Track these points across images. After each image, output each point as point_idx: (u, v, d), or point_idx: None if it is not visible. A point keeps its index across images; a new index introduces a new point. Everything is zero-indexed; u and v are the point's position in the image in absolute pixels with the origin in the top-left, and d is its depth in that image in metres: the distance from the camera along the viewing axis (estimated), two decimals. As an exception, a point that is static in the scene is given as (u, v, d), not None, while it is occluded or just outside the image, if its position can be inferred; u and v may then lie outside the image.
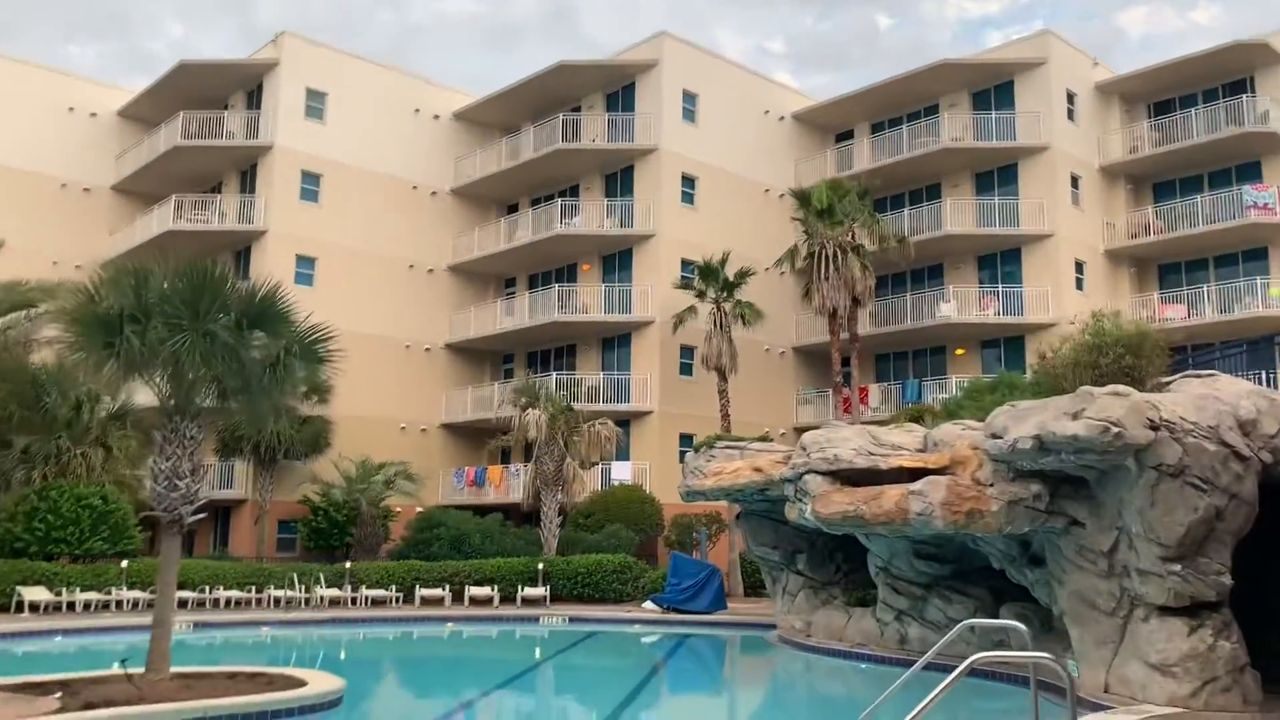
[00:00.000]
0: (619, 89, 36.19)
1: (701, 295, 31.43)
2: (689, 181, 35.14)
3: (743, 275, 31.01)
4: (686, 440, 33.73)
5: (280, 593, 24.89)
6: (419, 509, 33.34)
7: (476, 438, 37.99)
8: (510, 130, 39.19)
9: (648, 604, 24.48)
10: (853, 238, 31.37)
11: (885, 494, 14.22)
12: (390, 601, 25.93)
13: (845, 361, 31.56)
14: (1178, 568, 11.30)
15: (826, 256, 30.34)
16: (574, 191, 37.03)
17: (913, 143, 35.54)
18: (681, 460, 33.32)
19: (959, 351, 35.11)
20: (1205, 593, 11.42)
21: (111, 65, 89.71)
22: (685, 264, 34.05)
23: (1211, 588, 11.43)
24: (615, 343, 35.13)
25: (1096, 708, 11.05)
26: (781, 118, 38.14)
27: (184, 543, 35.14)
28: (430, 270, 37.98)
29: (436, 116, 38.62)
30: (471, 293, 38.90)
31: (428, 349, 37.41)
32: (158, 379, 11.82)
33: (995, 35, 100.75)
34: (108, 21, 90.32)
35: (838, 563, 20.29)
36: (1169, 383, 14.04)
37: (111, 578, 23.38)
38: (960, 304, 34.00)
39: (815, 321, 35.88)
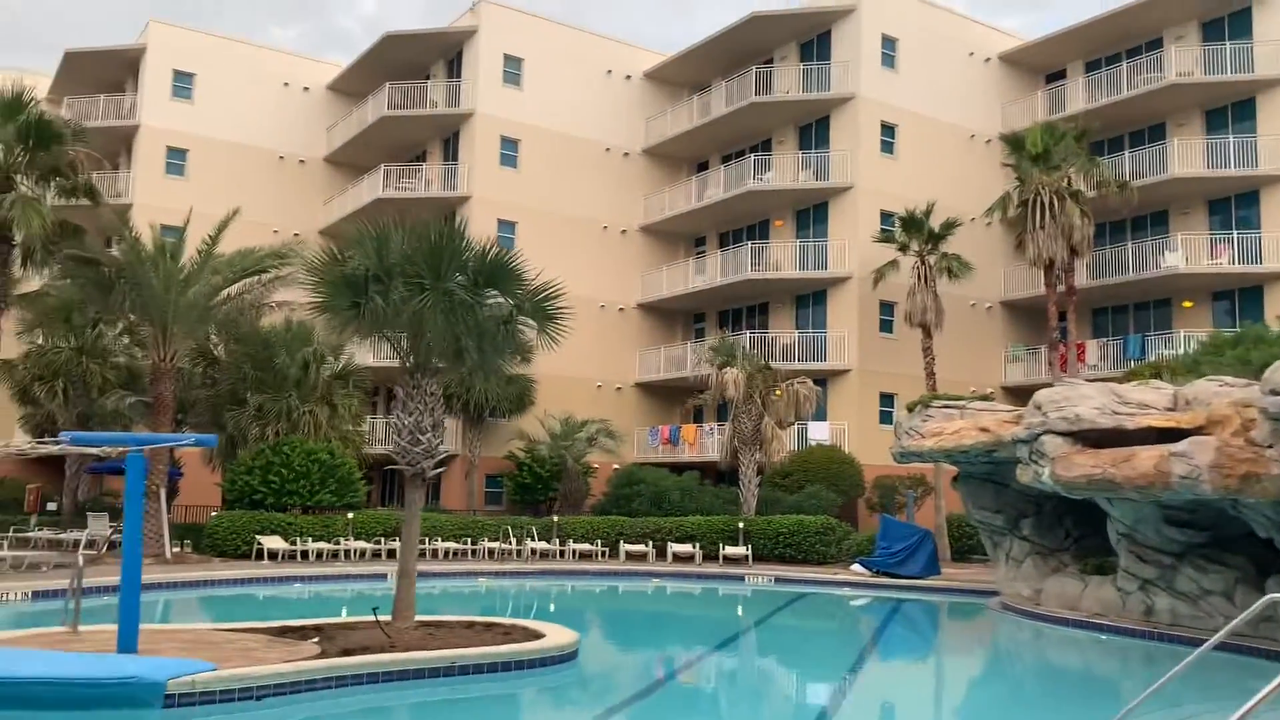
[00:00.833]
0: (813, 38, 35.07)
1: (904, 248, 30.26)
2: (889, 130, 33.79)
3: (949, 226, 29.65)
4: (887, 400, 32.82)
5: (494, 544, 25.71)
6: (615, 466, 33.82)
7: (669, 396, 38.13)
8: (700, 87, 38.72)
9: (856, 566, 23.93)
10: (1069, 184, 29.40)
11: (1139, 456, 13.19)
12: (595, 555, 26.40)
13: (1060, 316, 29.73)
14: None
15: (1042, 204, 28.54)
16: (766, 146, 36.27)
17: (1134, 80, 32.88)
18: (882, 421, 32.69)
19: (1186, 304, 32.49)
20: None
21: (311, 44, 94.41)
22: (885, 216, 32.86)
23: None
24: (810, 300, 34.36)
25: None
26: (987, 59, 36.07)
27: (397, 497, 37.00)
28: (623, 231, 38.16)
29: (628, 77, 38.57)
30: (663, 252, 38.87)
31: (621, 309, 37.69)
32: (398, 337, 12.13)
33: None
34: (305, 4, 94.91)
35: (1066, 528, 19.16)
36: None
37: (339, 528, 24.72)
38: (1188, 253, 31.39)
39: (1026, 274, 34.02)
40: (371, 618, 12.05)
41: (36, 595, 16.60)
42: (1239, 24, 31.97)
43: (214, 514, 24.99)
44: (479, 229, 33.41)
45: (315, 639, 11.40)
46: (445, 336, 11.83)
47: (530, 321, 12.47)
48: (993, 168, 35.36)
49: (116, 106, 38.24)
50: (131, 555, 10.47)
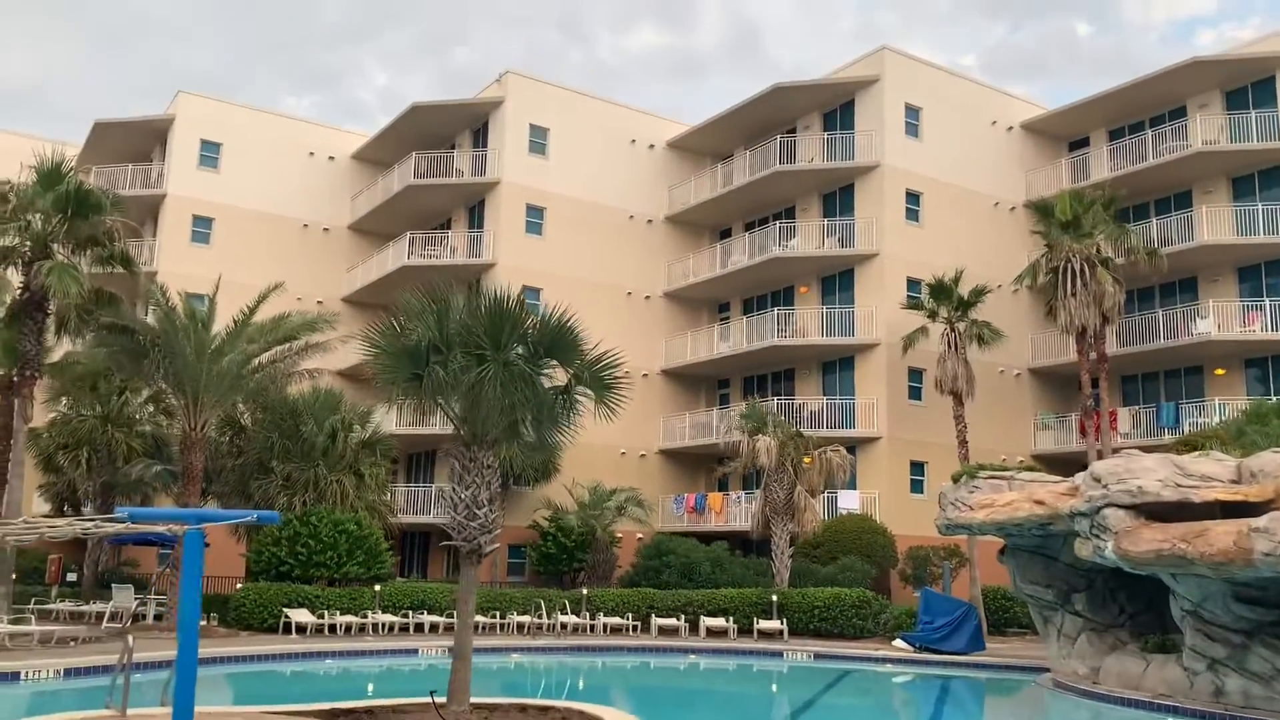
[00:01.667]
0: (837, 107, 35.35)
1: (933, 315, 30.11)
2: (913, 198, 33.86)
3: (978, 293, 29.53)
4: (918, 468, 32.41)
5: (523, 618, 25.14)
6: (639, 536, 33.31)
7: (694, 463, 37.75)
8: (722, 156, 39.02)
9: (898, 642, 23.29)
10: (1098, 251, 29.33)
11: (1213, 531, 12.78)
12: (626, 629, 25.80)
13: (1093, 383, 29.42)
14: None
15: (1073, 271, 28.47)
16: (790, 214, 36.36)
17: (1159, 148, 33.00)
18: (913, 489, 32.24)
19: (1219, 372, 32.16)
20: None
21: (324, 114, 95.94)
22: (911, 283, 32.81)
23: None
24: (837, 366, 34.13)
25: None
26: (1009, 127, 36.30)
27: (420, 568, 36.46)
28: (647, 297, 38.12)
29: (651, 146, 38.87)
30: (687, 318, 38.79)
31: (645, 374, 37.41)
32: (454, 408, 11.88)
33: (1208, 34, 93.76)
34: (319, 75, 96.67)
35: (1120, 603, 18.61)
36: None
37: (366, 601, 24.21)
38: (1219, 319, 31.17)
39: (1054, 341, 33.84)
40: (424, 699, 11.63)
41: (69, 673, 16.11)
42: (1263, 92, 32.17)
43: (239, 586, 24.52)
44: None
45: (369, 724, 10.97)
46: (504, 407, 11.57)
47: (588, 392, 12.20)
48: (1017, 235, 35.40)
49: (143, 175, 38.54)
50: (188, 637, 10.07)
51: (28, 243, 21.18)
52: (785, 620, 25.56)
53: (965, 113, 35.35)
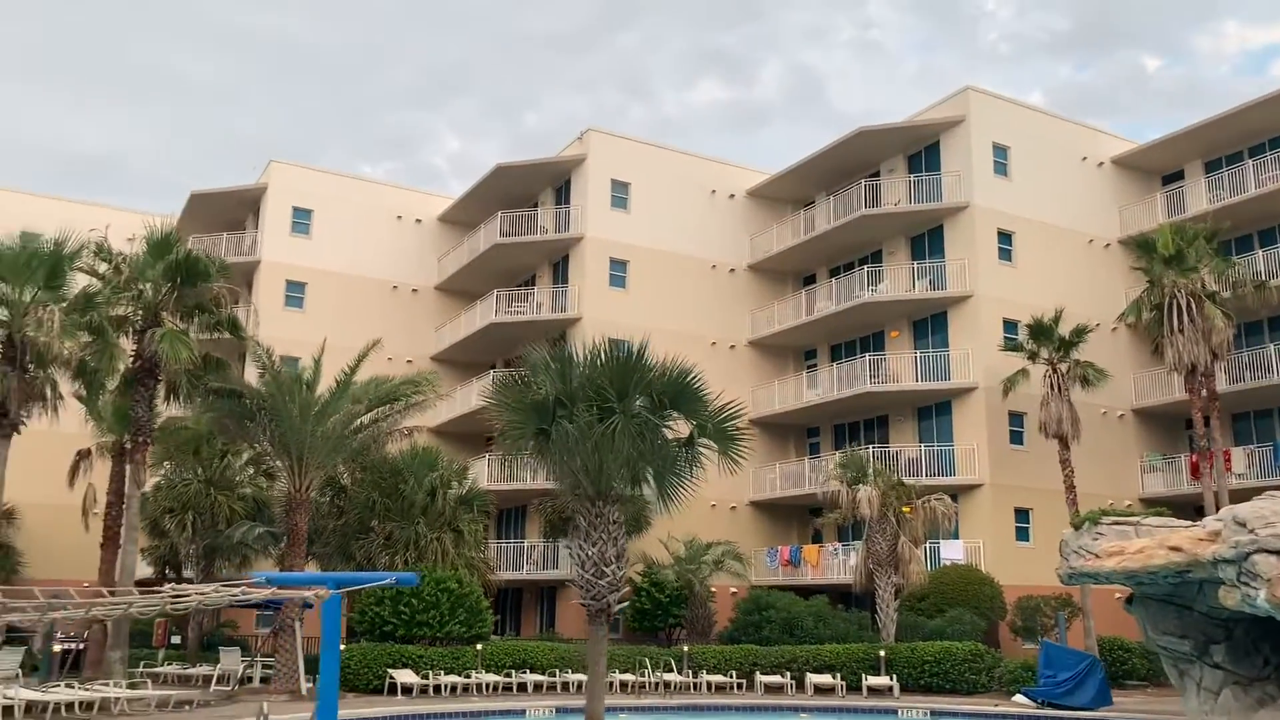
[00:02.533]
0: (921, 149, 34.99)
1: (1033, 357, 29.34)
2: (1005, 237, 33.21)
3: (1080, 333, 28.74)
4: (1022, 515, 31.38)
5: (625, 676, 24.71)
6: (733, 590, 32.70)
7: (785, 515, 37.11)
8: (804, 203, 38.85)
9: (1019, 697, 22.32)
10: (1203, 285, 28.36)
11: (1385, 576, 11.94)
12: (730, 687, 25.19)
13: (1205, 422, 28.26)
14: None
15: (1179, 307, 27.55)
16: (876, 257, 35.93)
17: (1261, 177, 31.94)
18: (1018, 538, 31.18)
19: (1338, 406, 30.72)
20: None
21: (401, 180, 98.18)
22: (1008, 324, 32.08)
23: None
24: (933, 411, 33.36)
25: None
26: (1100, 163, 35.53)
27: (514, 625, 36.22)
28: (731, 346, 37.86)
29: (731, 195, 38.89)
30: (772, 367, 38.39)
31: (733, 426, 37.03)
32: (577, 462, 11.71)
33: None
34: (392, 143, 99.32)
35: (1265, 654, 17.49)
36: None
37: (468, 660, 24.02)
38: (1336, 352, 29.84)
39: (1159, 380, 32.73)
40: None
41: (189, 738, 16.14)
42: (1367, 117, 31.07)
43: (343, 647, 24.52)
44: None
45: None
46: (627, 460, 11.38)
47: (710, 444, 11.96)
48: (1113, 272, 34.48)
49: (237, 243, 39.64)
50: (328, 700, 9.99)
51: (139, 311, 21.77)
52: (894, 676, 24.73)
53: (1054, 149, 34.71)
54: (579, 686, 24.36)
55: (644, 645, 27.75)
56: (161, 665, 25.69)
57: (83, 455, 29.11)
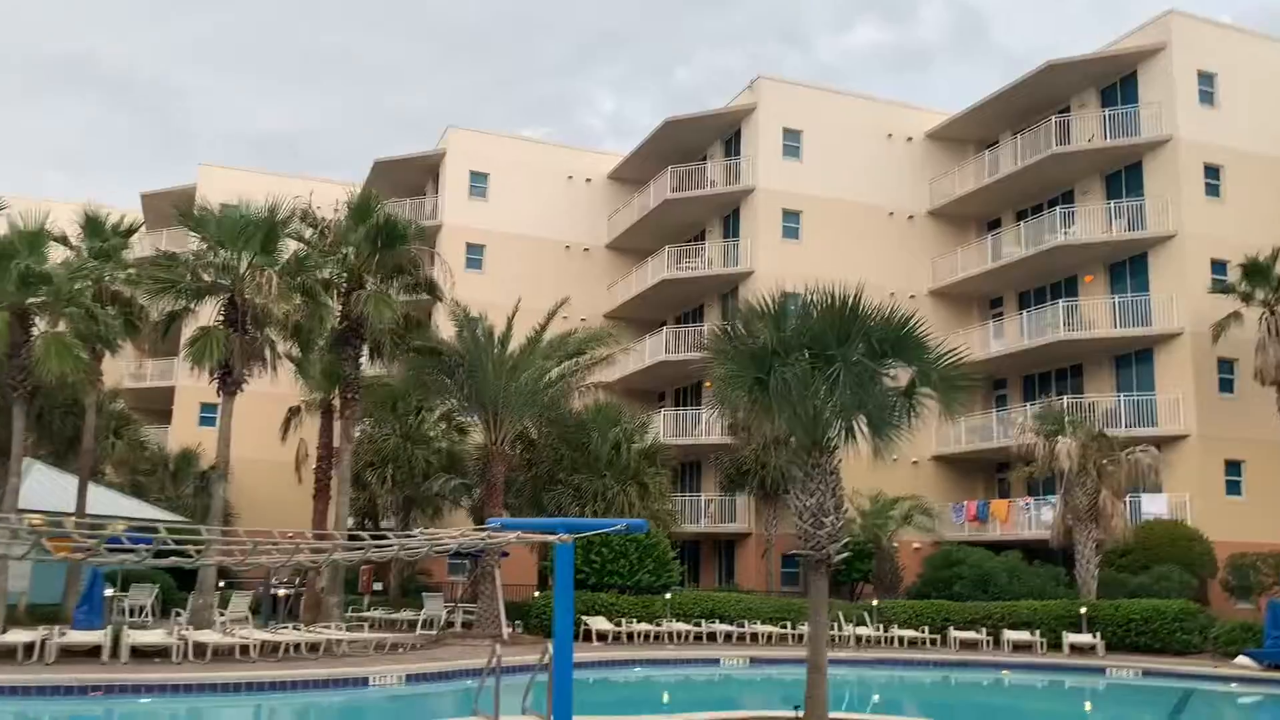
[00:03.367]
0: (1116, 81, 32.81)
1: (1247, 299, 27.32)
2: (1212, 171, 30.88)
3: (1303, 272, 26.50)
4: (1233, 467, 29.49)
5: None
6: (916, 545, 32.02)
7: (970, 469, 36.00)
8: (985, 144, 37.12)
9: (1242, 659, 21.01)
10: None
11: None
12: (922, 642, 24.73)
13: None
14: None
15: None
16: (1068, 198, 34.02)
17: None
18: (1228, 491, 29.26)
19: None
20: None
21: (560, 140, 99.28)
22: (1216, 265, 29.99)
23: None
24: (1132, 360, 31.53)
25: None
26: (1323, 86, 32.47)
27: (693, 577, 36.63)
28: (911, 296, 36.53)
29: (909, 139, 37.54)
30: (954, 317, 37.02)
31: (913, 378, 36.07)
32: (796, 413, 11.53)
33: None
34: (548, 107, 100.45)
35: None
36: None
37: (658, 609, 24.42)
38: None
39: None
40: (777, 713, 11.36)
41: (411, 679, 17.00)
42: None
43: (536, 594, 25.35)
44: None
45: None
46: (843, 410, 11.14)
47: (931, 392, 11.56)
48: (1339, 204, 31.60)
49: (419, 209, 40.96)
50: (563, 645, 10.25)
51: (343, 274, 22.79)
52: (1097, 634, 23.71)
53: (1266, 76, 31.93)
54: (768, 638, 24.45)
55: (834, 600, 27.50)
56: (367, 611, 27.15)
57: (293, 412, 30.80)
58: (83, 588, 19.90)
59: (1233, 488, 29.29)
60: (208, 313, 21.23)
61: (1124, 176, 32.43)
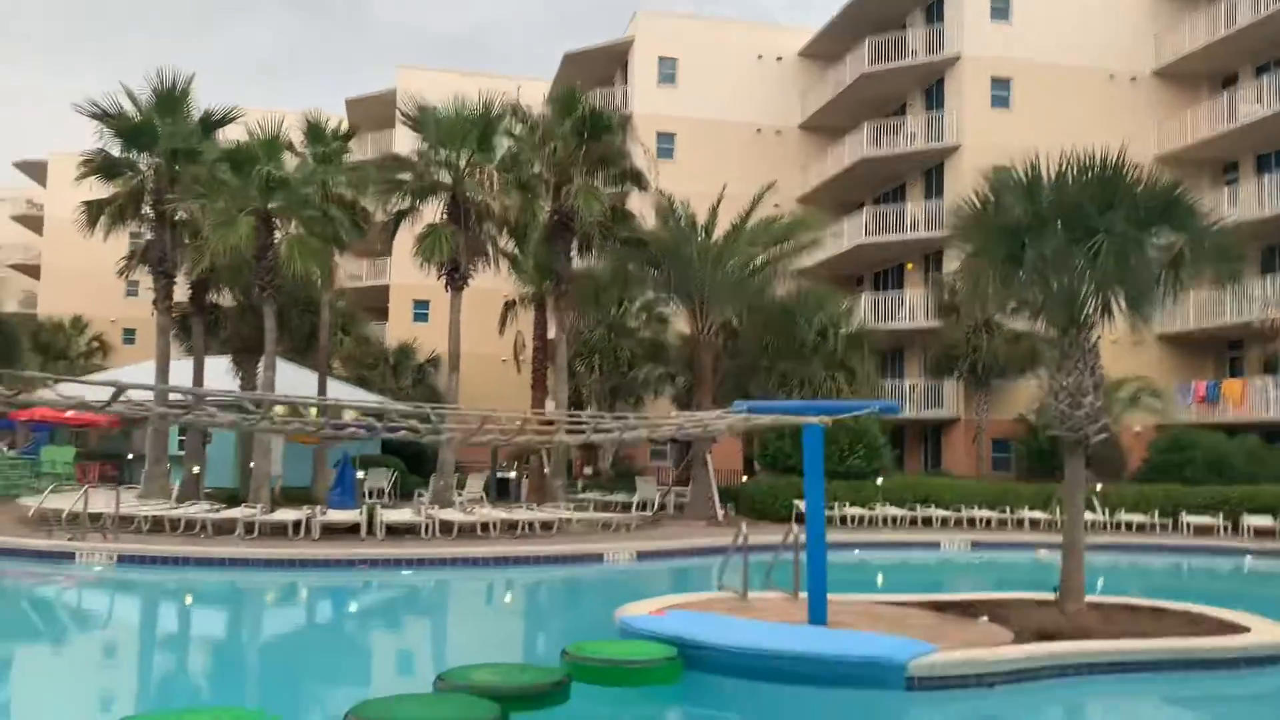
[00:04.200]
0: (1388, -95, 28.81)
1: None
2: None
3: None
4: None
5: (1034, 514, 24.01)
6: (1137, 429, 30.47)
7: (1197, 349, 33.69)
8: (1221, -11, 33.55)
9: None
10: None
11: None
12: (1150, 527, 23.75)
13: None
14: None
15: None
16: (1320, 47, 30.52)
17: None
18: None
19: None
20: None
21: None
22: None
23: None
24: (1394, 225, 28.45)
25: None
26: None
27: (898, 462, 36.29)
28: (1137, 165, 34.08)
29: (1127, -9, 34.38)
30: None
31: (1135, 253, 33.79)
32: (1051, 288, 10.98)
33: None
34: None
35: None
36: None
37: (870, 493, 24.35)
38: None
39: None
40: (1033, 596, 11.19)
41: (641, 556, 17.68)
42: None
43: (744, 479, 25.74)
44: (970, 179, 31.51)
45: (983, 618, 10.67)
46: (1109, 284, 10.51)
47: (1203, 262, 10.75)
48: None
49: (608, 99, 40.77)
50: (816, 527, 10.38)
51: (553, 168, 23.09)
52: (1355, 521, 22.14)
53: None
54: (986, 523, 24.05)
55: (1046, 485, 26.70)
56: (581, 494, 28.31)
57: (508, 306, 31.80)
58: (333, 472, 21.59)
59: None
60: (429, 213, 22.04)
61: (1394, 16, 28.69)
